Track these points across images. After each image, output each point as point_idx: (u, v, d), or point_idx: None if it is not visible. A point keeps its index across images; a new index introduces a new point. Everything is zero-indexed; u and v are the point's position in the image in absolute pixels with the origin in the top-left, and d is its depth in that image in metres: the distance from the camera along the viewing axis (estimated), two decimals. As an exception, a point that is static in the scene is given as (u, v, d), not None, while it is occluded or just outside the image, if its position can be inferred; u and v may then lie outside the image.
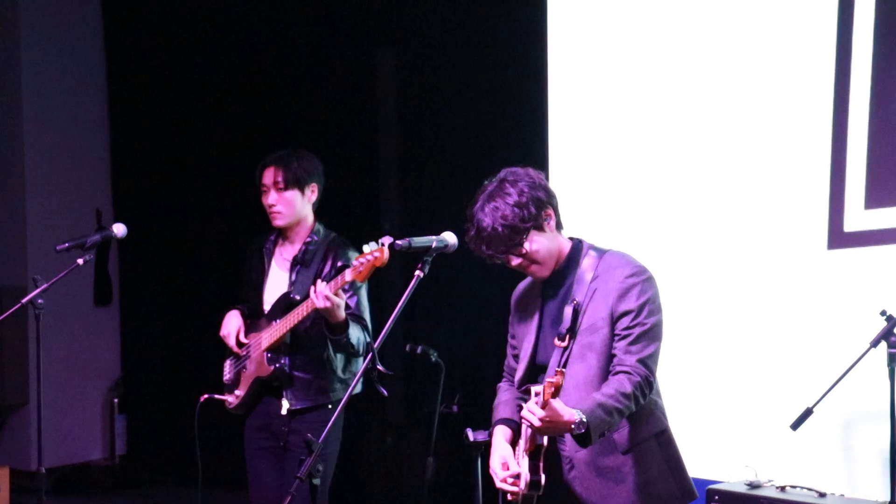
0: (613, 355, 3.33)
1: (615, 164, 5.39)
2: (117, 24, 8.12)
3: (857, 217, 4.68)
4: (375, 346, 3.35)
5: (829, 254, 4.76)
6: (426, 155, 6.62)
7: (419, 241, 3.41)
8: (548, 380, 3.06)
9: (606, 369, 3.33)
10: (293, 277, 4.48)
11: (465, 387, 5.38)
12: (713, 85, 5.08)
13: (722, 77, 5.05)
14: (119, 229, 4.69)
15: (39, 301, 4.51)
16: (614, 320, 3.33)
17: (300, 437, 3.75)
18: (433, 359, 5.02)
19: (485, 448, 3.41)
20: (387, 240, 3.65)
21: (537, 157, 5.50)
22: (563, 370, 3.09)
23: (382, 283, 5.72)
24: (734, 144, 5.02)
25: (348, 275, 4.01)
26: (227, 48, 7.57)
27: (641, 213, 5.28)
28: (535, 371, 3.47)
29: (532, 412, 3.11)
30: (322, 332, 4.27)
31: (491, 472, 3.42)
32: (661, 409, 3.47)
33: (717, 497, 4.54)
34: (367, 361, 3.42)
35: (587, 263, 3.42)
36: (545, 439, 3.27)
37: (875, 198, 4.63)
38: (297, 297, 4.38)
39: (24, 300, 4.56)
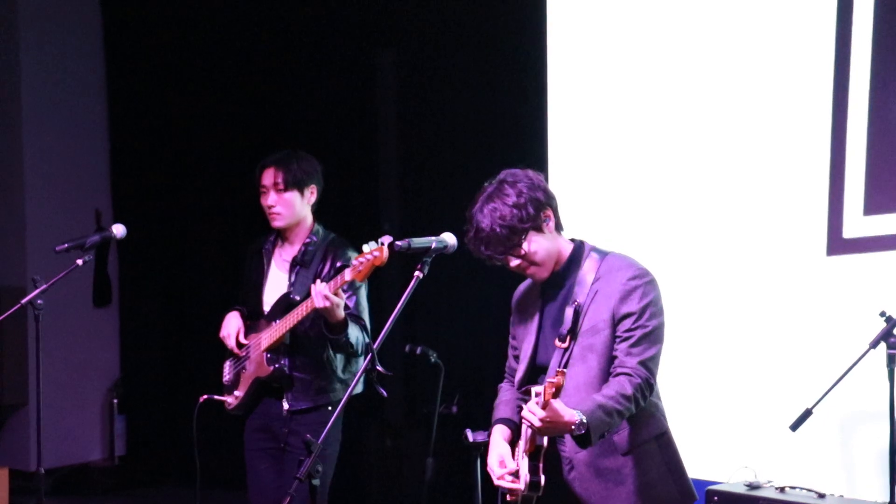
0: (614, 357, 3.32)
1: (615, 167, 5.38)
2: (117, 24, 8.10)
3: (856, 223, 4.67)
4: (375, 346, 3.34)
5: (828, 260, 4.76)
6: (426, 155, 6.62)
7: (419, 241, 3.41)
8: (548, 380, 3.06)
9: (607, 371, 3.33)
10: (292, 278, 4.48)
11: (464, 387, 5.37)
12: (713, 89, 5.08)
13: (722, 81, 5.05)
14: (118, 230, 4.69)
15: (39, 301, 4.52)
16: (616, 322, 3.33)
17: (299, 438, 3.75)
18: (433, 359, 5.02)
19: (484, 449, 3.40)
20: (386, 239, 3.65)
21: (537, 157, 5.50)
22: (564, 371, 3.09)
23: (382, 283, 5.72)
24: (734, 150, 5.02)
25: (348, 274, 4.00)
26: (227, 49, 7.57)
27: (641, 215, 5.27)
28: (536, 372, 3.47)
29: (532, 412, 3.11)
30: (322, 332, 4.27)
31: (489, 469, 3.42)
32: (662, 411, 3.47)
33: (716, 498, 4.54)
34: (366, 362, 3.41)
35: (589, 265, 3.41)
36: (545, 440, 3.26)
37: (874, 204, 4.62)
38: (297, 298, 4.37)
39: (23, 301, 4.56)
